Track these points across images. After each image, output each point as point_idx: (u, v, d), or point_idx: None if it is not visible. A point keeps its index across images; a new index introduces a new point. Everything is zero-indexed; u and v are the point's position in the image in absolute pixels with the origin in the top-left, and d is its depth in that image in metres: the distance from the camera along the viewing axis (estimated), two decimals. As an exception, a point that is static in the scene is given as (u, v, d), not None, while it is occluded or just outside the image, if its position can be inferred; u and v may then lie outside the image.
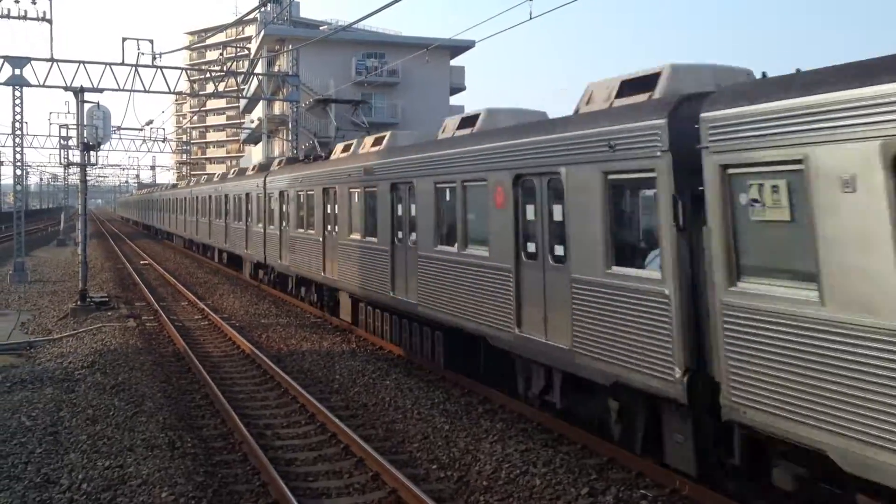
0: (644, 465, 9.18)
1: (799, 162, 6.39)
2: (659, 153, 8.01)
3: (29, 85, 30.28)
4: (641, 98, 9.15)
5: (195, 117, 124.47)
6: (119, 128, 46.07)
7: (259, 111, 63.18)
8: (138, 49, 30.69)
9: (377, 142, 17.27)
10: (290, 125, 41.59)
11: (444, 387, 13.45)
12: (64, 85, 29.58)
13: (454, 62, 57.52)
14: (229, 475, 9.42)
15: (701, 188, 7.48)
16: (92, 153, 24.95)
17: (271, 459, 9.61)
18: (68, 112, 48.14)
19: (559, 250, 9.96)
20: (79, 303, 22.81)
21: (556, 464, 9.56)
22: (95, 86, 29.11)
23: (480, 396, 12.65)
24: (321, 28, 64.35)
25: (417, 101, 52.22)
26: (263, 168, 28.88)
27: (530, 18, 16.64)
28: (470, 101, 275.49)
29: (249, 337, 18.11)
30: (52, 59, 29.93)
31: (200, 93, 47.07)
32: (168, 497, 8.53)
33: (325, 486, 9.04)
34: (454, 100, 58.74)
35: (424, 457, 10.02)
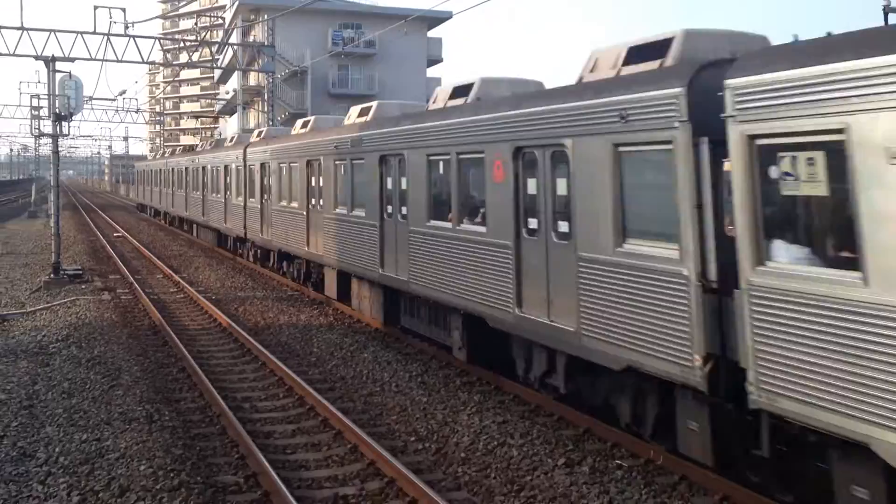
0: (619, 435, 9.31)
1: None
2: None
3: (-2, 54, 29.72)
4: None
5: (168, 88, 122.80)
6: (91, 98, 45.39)
7: (234, 82, 62.46)
8: (110, 18, 30.23)
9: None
10: (265, 96, 41.19)
11: (422, 359, 13.51)
12: (35, 54, 29.04)
13: (431, 34, 57.09)
14: (207, 448, 9.43)
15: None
16: (64, 124, 24.54)
17: (250, 432, 9.63)
18: (39, 81, 47.32)
19: None
20: (52, 276, 22.57)
21: (534, 435, 9.66)
22: (67, 55, 28.58)
23: (458, 369, 12.72)
24: (297, -2, 63.45)
25: (394, 73, 51.81)
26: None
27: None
28: (447, 73, 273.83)
29: (226, 310, 18.04)
30: (22, 28, 29.39)
31: (174, 63, 46.45)
32: (146, 470, 8.53)
33: (304, 459, 9.08)
34: (431, 72, 58.37)
35: (402, 429, 10.08)
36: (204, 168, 31.25)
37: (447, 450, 9.31)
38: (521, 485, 8.27)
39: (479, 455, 9.11)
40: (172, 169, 39.78)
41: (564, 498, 7.95)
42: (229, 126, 66.53)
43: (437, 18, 52.11)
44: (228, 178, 26.86)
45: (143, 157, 71.93)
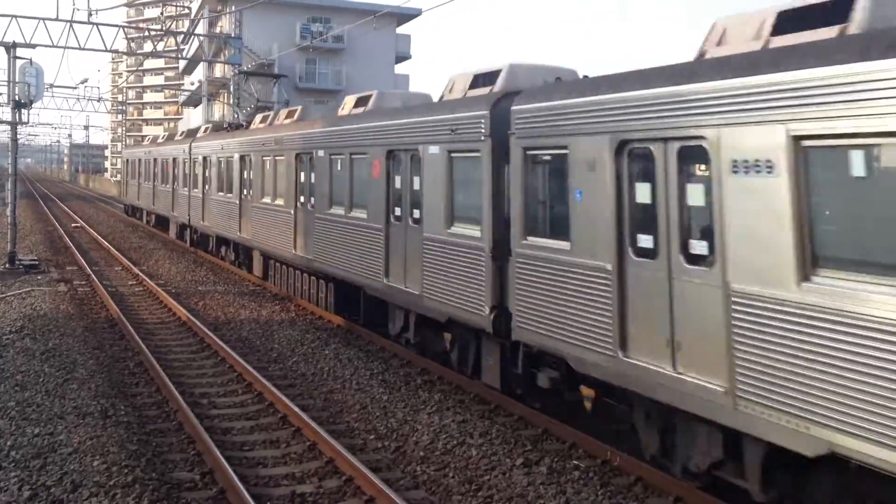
0: (577, 436, 9.39)
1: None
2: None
3: (-44, 38, 29.01)
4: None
5: (132, 77, 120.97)
6: (52, 86, 44.59)
7: (199, 73, 61.72)
8: (73, 4, 29.82)
9: None
10: (231, 88, 40.72)
11: (384, 357, 13.48)
12: (-6, 39, 28.43)
13: (400, 30, 56.97)
14: (163, 444, 9.32)
15: None
16: (23, 111, 24.11)
17: (207, 428, 9.54)
18: (-2, 67, 46.34)
19: None
20: (7, 265, 22.17)
21: (493, 435, 9.70)
22: (28, 41, 28.03)
23: (419, 368, 12.72)
24: (265, -10, 62.83)
25: (362, 69, 51.59)
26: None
27: (477, -10, 16.54)
28: (415, 69, 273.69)
29: (186, 304, 17.84)
30: (-20, 12, 28.70)
31: (138, 52, 45.76)
32: (100, 465, 8.40)
33: (262, 456, 9.02)
34: (399, 68, 58.28)
35: (362, 427, 10.06)
36: (301, 157, 17.06)
37: (406, 448, 9.31)
38: (479, 484, 8.29)
39: (437, 454, 9.12)
40: (203, 158, 25.63)
41: (521, 498, 7.99)
42: (193, 117, 65.71)
43: (406, 15, 52.01)
44: (422, 181, 11.88)
45: (104, 146, 70.17)
